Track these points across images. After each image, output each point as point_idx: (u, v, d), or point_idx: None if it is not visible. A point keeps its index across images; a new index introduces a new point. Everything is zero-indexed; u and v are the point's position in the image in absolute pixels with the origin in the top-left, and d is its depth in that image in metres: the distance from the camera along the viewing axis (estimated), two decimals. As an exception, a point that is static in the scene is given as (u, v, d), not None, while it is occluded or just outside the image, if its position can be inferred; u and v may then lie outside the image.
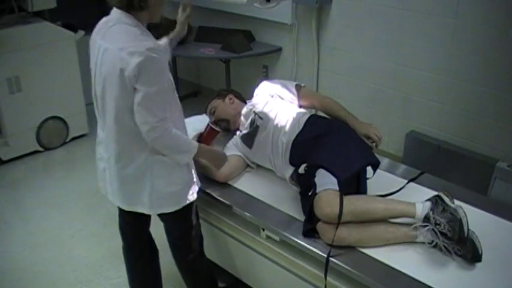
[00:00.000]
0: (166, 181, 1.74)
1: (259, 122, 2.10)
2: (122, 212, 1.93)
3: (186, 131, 1.81)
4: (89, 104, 3.92)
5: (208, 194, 2.03)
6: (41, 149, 3.60)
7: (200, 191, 1.88)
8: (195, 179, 1.84)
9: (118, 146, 1.69)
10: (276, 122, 2.07)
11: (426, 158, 2.99)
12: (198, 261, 2.01)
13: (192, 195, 1.82)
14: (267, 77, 3.87)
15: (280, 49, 3.71)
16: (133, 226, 1.98)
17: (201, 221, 2.19)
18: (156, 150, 1.68)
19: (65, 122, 3.65)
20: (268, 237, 1.88)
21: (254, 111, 2.15)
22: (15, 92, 3.35)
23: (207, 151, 1.91)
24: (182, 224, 1.90)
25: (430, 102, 3.00)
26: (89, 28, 4.30)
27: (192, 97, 4.46)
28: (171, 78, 1.69)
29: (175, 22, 4.10)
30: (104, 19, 1.69)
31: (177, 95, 1.76)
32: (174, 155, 1.70)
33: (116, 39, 1.59)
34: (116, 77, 1.56)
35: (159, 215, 1.86)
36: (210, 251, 2.31)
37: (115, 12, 1.63)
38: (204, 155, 1.89)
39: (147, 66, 1.53)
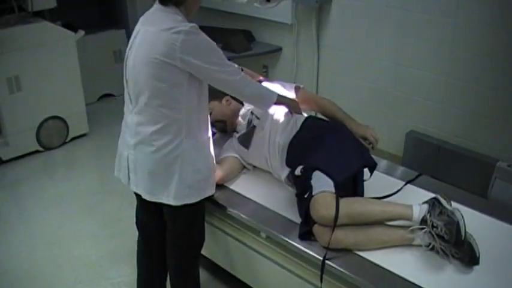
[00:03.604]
0: (193, 168, 1.75)
1: (256, 122, 2.10)
2: (142, 203, 1.90)
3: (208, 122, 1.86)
4: (89, 104, 3.96)
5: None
6: (41, 149, 3.61)
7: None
8: (213, 172, 1.88)
9: (151, 129, 1.70)
10: (273, 122, 2.07)
11: (426, 158, 2.99)
12: (193, 264, 2.00)
13: (211, 189, 1.86)
14: (267, 77, 3.87)
15: (280, 49, 3.71)
16: (155, 219, 1.94)
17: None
18: (189, 135, 1.72)
19: (65, 122, 3.66)
20: (268, 237, 1.88)
21: (251, 111, 2.15)
22: (15, 91, 3.35)
23: (285, 98, 2.00)
24: (190, 220, 1.88)
25: (430, 102, 3.00)
26: (89, 28, 4.32)
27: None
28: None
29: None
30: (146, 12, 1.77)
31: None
32: (261, 102, 1.89)
33: (158, 22, 1.65)
34: (158, 57, 1.61)
35: (170, 210, 1.81)
36: (210, 251, 2.32)
37: (156, 4, 1.71)
38: (283, 101, 1.97)
39: (196, 39, 1.62)
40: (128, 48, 1.76)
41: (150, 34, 1.66)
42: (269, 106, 1.91)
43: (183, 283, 2.03)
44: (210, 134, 1.86)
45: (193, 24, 1.64)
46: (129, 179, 1.84)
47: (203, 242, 2.00)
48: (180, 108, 1.69)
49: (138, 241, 2.05)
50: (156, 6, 1.70)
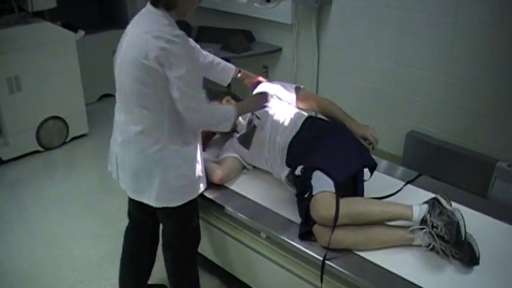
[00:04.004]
0: (176, 173, 1.75)
1: (257, 121, 2.10)
2: (131, 199, 1.93)
3: None
4: (89, 104, 3.96)
5: (205, 196, 2.03)
6: (41, 149, 3.61)
7: (200, 195, 1.88)
8: (202, 174, 1.86)
9: (135, 129, 1.71)
10: (273, 122, 2.07)
11: (426, 158, 2.98)
12: (189, 262, 2.01)
13: (197, 192, 1.84)
14: (267, 77, 3.87)
15: (280, 49, 3.70)
16: (144, 215, 1.97)
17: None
18: (172, 140, 1.71)
19: (65, 122, 3.66)
20: (268, 237, 1.88)
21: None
22: (15, 92, 3.35)
23: (245, 105, 1.96)
24: (183, 221, 1.89)
25: (430, 102, 2.99)
26: (89, 28, 4.32)
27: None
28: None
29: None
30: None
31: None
32: (216, 127, 1.80)
33: (143, 25, 1.66)
34: (139, 59, 1.60)
35: (158, 211, 1.84)
36: (209, 251, 2.32)
37: (148, 4, 1.69)
38: (244, 109, 1.93)
39: (173, 49, 1.57)
40: (117, 48, 1.77)
41: (135, 36, 1.66)
42: (228, 127, 1.82)
43: (179, 283, 2.04)
44: (198, 140, 1.84)
45: (179, 33, 1.61)
46: (118, 175, 1.87)
47: (197, 242, 2.00)
48: (162, 112, 1.68)
49: (127, 227, 2.08)
50: (148, 7, 1.69)
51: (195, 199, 1.85)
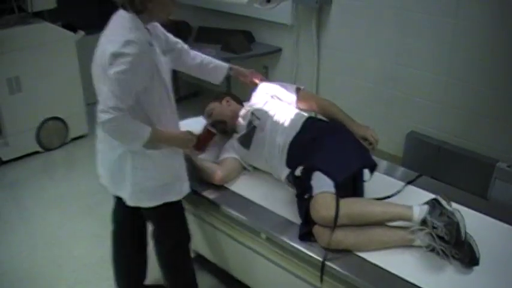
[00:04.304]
0: (148, 175, 1.76)
1: (257, 122, 2.10)
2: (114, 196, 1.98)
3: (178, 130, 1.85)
4: (89, 104, 3.95)
5: (205, 197, 2.03)
6: (40, 149, 3.61)
7: (196, 194, 1.88)
8: (182, 179, 1.86)
9: None
10: (273, 123, 2.07)
11: (426, 158, 2.99)
12: (181, 260, 2.03)
13: (176, 195, 1.84)
14: (267, 77, 3.86)
15: (280, 50, 3.70)
16: (124, 209, 1.97)
17: (199, 220, 2.20)
18: None
19: (64, 123, 3.66)
20: (268, 238, 1.88)
21: (252, 112, 2.15)
22: (15, 92, 3.35)
23: (164, 134, 1.77)
24: (164, 221, 1.93)
25: (430, 102, 2.99)
26: (89, 28, 4.33)
27: (192, 97, 4.46)
28: (166, 79, 1.73)
29: (174, 22, 4.10)
30: None
31: (171, 94, 1.78)
32: (122, 143, 1.71)
33: (109, 30, 1.67)
34: (99, 62, 1.64)
35: (143, 209, 1.87)
36: (209, 252, 2.32)
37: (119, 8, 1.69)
38: (162, 139, 1.76)
39: (119, 55, 1.56)
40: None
41: (101, 43, 1.68)
42: (136, 146, 1.71)
43: (174, 282, 2.06)
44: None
45: (132, 39, 1.58)
46: (100, 172, 1.91)
47: (183, 241, 2.01)
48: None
49: (111, 231, 2.11)
50: (119, 9, 1.68)
51: (176, 202, 1.86)
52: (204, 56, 2.18)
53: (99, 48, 1.69)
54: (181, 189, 1.86)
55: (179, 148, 1.86)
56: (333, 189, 1.71)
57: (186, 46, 2.11)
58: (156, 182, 1.79)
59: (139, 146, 1.69)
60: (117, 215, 2.08)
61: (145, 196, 1.80)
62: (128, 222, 2.06)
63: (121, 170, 1.78)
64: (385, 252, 1.67)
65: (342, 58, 3.35)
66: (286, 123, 2.04)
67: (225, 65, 2.19)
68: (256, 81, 2.26)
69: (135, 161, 1.74)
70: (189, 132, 1.87)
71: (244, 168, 2.17)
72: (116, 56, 1.56)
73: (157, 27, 1.86)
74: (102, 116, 1.58)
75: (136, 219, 2.01)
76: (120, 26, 1.64)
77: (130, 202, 1.83)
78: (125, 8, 1.65)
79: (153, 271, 2.17)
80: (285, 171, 1.97)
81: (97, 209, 2.99)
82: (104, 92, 1.59)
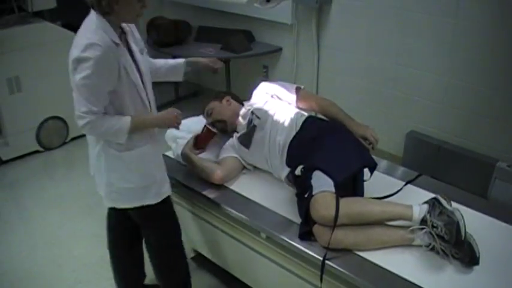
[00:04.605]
0: (121, 176, 1.78)
1: (257, 121, 2.10)
2: None
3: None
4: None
5: (205, 196, 2.03)
6: (41, 149, 3.61)
7: (196, 193, 1.87)
8: (159, 181, 1.85)
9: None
10: (273, 121, 2.07)
11: (426, 158, 2.99)
12: (172, 260, 2.04)
13: (153, 198, 1.84)
14: (267, 77, 3.87)
15: (280, 49, 3.70)
16: (114, 211, 2.00)
17: (199, 219, 2.20)
18: (108, 144, 1.74)
19: (65, 122, 3.66)
20: (268, 237, 1.88)
21: (252, 111, 2.15)
22: (15, 92, 3.35)
23: (145, 119, 1.80)
24: (149, 222, 1.94)
25: (430, 102, 2.99)
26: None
27: (192, 97, 4.46)
28: (135, 81, 1.72)
29: (174, 22, 4.08)
30: None
31: (145, 100, 1.79)
32: (107, 139, 1.74)
33: (78, 33, 1.67)
34: (69, 69, 1.64)
35: (128, 210, 1.88)
36: (209, 250, 2.32)
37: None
38: (145, 124, 1.79)
39: (82, 59, 1.57)
40: None
41: (71, 46, 1.66)
42: (122, 139, 1.73)
43: (167, 285, 2.07)
44: (148, 146, 1.80)
45: (95, 41, 1.57)
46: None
47: (175, 242, 2.02)
48: None
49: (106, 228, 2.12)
50: (91, 11, 1.68)
51: (159, 203, 1.86)
52: (162, 59, 2.13)
53: (70, 52, 1.67)
54: (159, 191, 1.85)
55: (167, 128, 1.93)
56: (333, 189, 1.70)
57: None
58: (130, 184, 1.80)
59: (125, 137, 1.71)
60: (109, 216, 2.09)
61: (119, 197, 1.83)
62: (119, 223, 2.07)
63: (99, 169, 1.81)
64: (385, 252, 1.67)
65: (341, 58, 3.35)
66: (286, 123, 2.04)
67: (181, 60, 2.12)
68: (216, 67, 2.15)
69: (108, 162, 1.77)
70: (174, 110, 1.88)
71: (244, 168, 2.17)
72: (78, 61, 1.58)
73: (134, 26, 1.83)
74: (79, 122, 1.65)
75: (126, 220, 2.00)
76: (87, 28, 1.64)
77: (105, 202, 1.87)
78: (93, 9, 1.65)
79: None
80: (285, 171, 1.97)
81: (97, 209, 2.99)
82: (75, 98, 1.64)
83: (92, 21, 1.63)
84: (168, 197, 1.93)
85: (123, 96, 1.70)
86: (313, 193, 1.70)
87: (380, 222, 1.72)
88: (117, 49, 1.65)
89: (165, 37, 3.71)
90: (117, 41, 1.65)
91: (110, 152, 1.76)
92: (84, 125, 1.65)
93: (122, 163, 1.77)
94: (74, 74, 1.60)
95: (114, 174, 1.78)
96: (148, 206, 1.84)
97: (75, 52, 1.59)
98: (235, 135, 2.20)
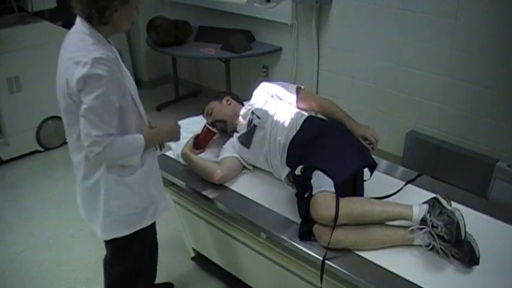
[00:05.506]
0: (120, 202, 1.66)
1: (257, 121, 2.10)
2: None
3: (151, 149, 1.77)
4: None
5: (205, 196, 2.03)
6: (41, 149, 3.61)
7: (196, 193, 1.86)
8: (157, 201, 1.76)
9: (76, 157, 1.65)
10: (273, 121, 2.07)
11: (426, 158, 2.99)
12: None
13: (149, 219, 1.75)
14: (267, 77, 3.87)
15: (280, 49, 3.70)
16: None
17: (199, 219, 2.20)
18: (111, 169, 1.61)
19: (65, 122, 3.66)
20: (268, 237, 1.88)
21: (252, 111, 2.15)
22: (15, 92, 3.35)
23: (154, 135, 1.75)
24: (123, 248, 1.79)
25: (430, 102, 2.99)
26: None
27: (192, 97, 4.46)
28: (132, 93, 1.62)
29: (174, 22, 4.08)
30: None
31: (142, 112, 1.70)
32: (122, 162, 1.61)
33: (67, 49, 1.54)
34: (63, 87, 1.52)
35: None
36: (209, 251, 2.32)
37: (77, 19, 1.56)
38: (154, 140, 1.75)
39: (92, 76, 1.44)
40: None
41: (61, 63, 1.55)
42: (135, 160, 1.65)
43: None
44: (146, 166, 1.71)
45: (100, 56, 1.46)
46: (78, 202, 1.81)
47: (135, 272, 1.89)
48: None
49: None
50: (76, 23, 1.55)
51: (143, 229, 1.75)
52: None
53: (60, 72, 1.55)
54: (155, 212, 1.77)
55: (170, 142, 1.81)
56: (332, 189, 1.70)
57: None
58: (132, 210, 1.69)
59: (139, 157, 1.64)
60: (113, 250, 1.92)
61: (119, 225, 1.69)
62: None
63: (94, 200, 1.67)
64: (385, 252, 1.67)
65: (341, 58, 3.35)
66: (287, 123, 2.04)
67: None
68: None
69: (109, 190, 1.63)
70: (176, 122, 1.85)
71: (244, 168, 2.17)
72: (86, 79, 1.44)
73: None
74: (93, 150, 1.49)
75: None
76: (82, 44, 1.49)
77: (104, 235, 1.71)
78: (89, 21, 1.52)
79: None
80: (285, 170, 1.97)
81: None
82: (84, 123, 1.47)
83: (85, 35, 1.51)
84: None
85: (126, 111, 1.59)
86: (313, 193, 1.70)
87: (380, 222, 1.71)
88: (118, 62, 1.55)
89: (165, 37, 3.71)
90: (113, 53, 1.56)
91: (111, 178, 1.62)
92: (100, 152, 1.48)
93: (125, 188, 1.65)
94: (83, 95, 1.46)
95: (115, 202, 1.65)
96: (135, 232, 1.73)
97: (79, 70, 1.44)
98: (235, 135, 2.20)
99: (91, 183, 1.65)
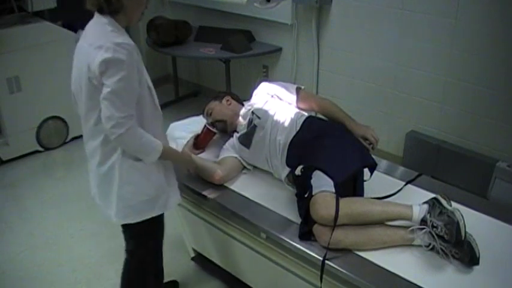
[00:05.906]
0: (133, 188, 1.69)
1: (257, 121, 2.10)
2: None
3: (166, 141, 1.81)
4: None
5: (205, 196, 2.03)
6: (41, 149, 3.61)
7: (196, 193, 1.86)
8: (168, 191, 1.78)
9: (92, 144, 1.69)
10: (273, 121, 2.07)
11: (426, 158, 2.99)
12: (141, 279, 1.92)
13: (159, 209, 1.77)
14: (267, 77, 3.87)
15: (280, 49, 3.70)
16: None
17: (199, 219, 2.20)
18: (126, 153, 1.65)
19: (65, 122, 3.66)
20: (268, 237, 1.88)
21: (252, 111, 2.15)
22: (15, 92, 3.35)
23: (173, 153, 1.82)
24: (137, 239, 1.84)
25: (430, 102, 3.00)
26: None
27: (192, 97, 4.46)
28: (149, 83, 1.67)
29: (174, 22, 4.09)
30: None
31: (157, 103, 1.73)
32: (138, 155, 1.65)
33: (88, 36, 1.61)
34: (84, 73, 1.57)
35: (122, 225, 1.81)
36: (209, 251, 2.32)
37: (95, 13, 1.63)
38: (168, 157, 1.77)
39: (114, 60, 1.50)
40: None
41: (81, 50, 1.61)
42: (151, 160, 1.68)
43: None
44: None
45: (121, 41, 1.53)
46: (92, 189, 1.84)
47: (153, 266, 1.93)
48: None
49: None
50: (95, 15, 1.62)
51: (158, 217, 1.79)
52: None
53: (79, 59, 1.61)
54: (165, 203, 1.78)
55: (184, 167, 1.91)
56: (332, 189, 1.70)
57: None
58: (142, 197, 1.71)
59: (156, 158, 1.66)
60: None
61: (131, 211, 1.72)
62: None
63: (108, 186, 1.70)
64: (385, 252, 1.67)
65: (341, 58, 3.35)
66: (287, 123, 2.04)
67: None
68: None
69: (123, 175, 1.67)
70: (189, 155, 1.96)
71: (244, 168, 2.17)
72: (108, 63, 1.50)
73: None
74: (115, 131, 1.52)
75: None
76: (102, 31, 1.56)
77: (117, 220, 1.74)
78: (101, 12, 1.58)
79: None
80: (285, 171, 1.97)
81: (97, 209, 2.96)
82: (107, 105, 1.52)
83: (105, 25, 1.57)
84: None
85: (143, 98, 1.63)
86: (313, 193, 1.70)
87: (380, 222, 1.71)
88: (137, 50, 1.60)
89: (165, 37, 3.71)
90: (131, 41, 1.61)
91: (127, 163, 1.65)
92: (123, 133, 1.52)
93: (138, 174, 1.68)
94: (105, 78, 1.50)
95: (128, 188, 1.68)
96: (147, 220, 1.76)
97: (101, 54, 1.50)
98: (235, 135, 2.20)
99: (106, 169, 1.69)
